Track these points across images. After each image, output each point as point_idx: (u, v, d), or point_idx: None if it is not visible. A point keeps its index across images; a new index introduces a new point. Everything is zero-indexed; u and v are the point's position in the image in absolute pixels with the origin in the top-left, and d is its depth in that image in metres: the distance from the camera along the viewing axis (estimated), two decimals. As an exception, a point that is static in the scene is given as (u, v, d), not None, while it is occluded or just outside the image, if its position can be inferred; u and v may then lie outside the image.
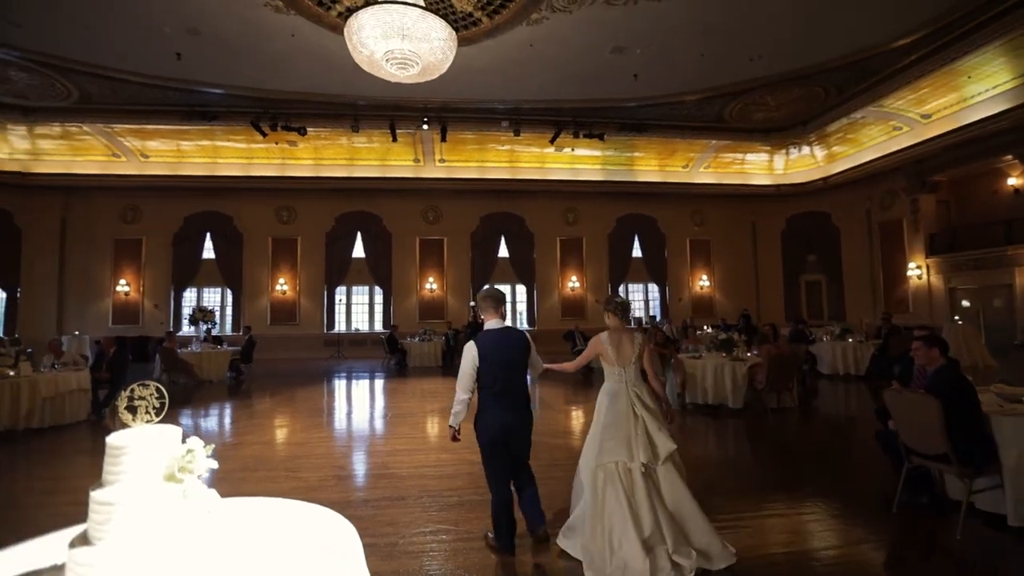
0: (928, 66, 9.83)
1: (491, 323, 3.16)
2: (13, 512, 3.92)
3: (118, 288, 15.52)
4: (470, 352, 3.06)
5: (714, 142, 14.49)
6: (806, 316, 15.40)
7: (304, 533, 1.27)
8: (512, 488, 3.24)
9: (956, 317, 12.77)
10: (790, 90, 11.23)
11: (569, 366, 3.59)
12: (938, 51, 9.34)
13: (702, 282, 17.77)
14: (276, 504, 1.54)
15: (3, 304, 14.83)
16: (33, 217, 15.03)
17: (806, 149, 15.11)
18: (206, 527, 1.11)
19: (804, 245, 17.32)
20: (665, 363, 7.84)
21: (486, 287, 3.33)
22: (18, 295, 14.91)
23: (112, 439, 1.17)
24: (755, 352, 7.53)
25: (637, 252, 17.59)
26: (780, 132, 13.71)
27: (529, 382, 3.39)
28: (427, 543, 3.35)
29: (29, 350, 7.43)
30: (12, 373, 6.46)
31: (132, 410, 1.20)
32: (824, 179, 15.91)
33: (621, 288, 17.52)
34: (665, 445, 3.01)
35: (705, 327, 14.27)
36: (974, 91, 10.96)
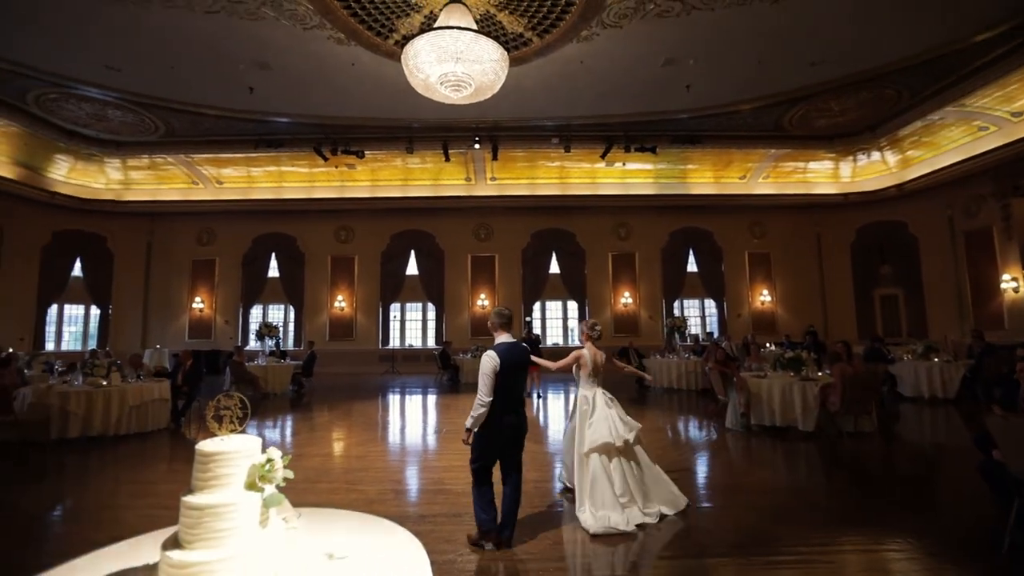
0: (1016, 60, 9.02)
1: (502, 338, 3.55)
2: (106, 512, 4.22)
3: (194, 305, 16.71)
4: (492, 360, 3.35)
5: (773, 151, 13.91)
6: (881, 333, 14.28)
7: (376, 546, 1.27)
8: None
9: (1062, 334, 11.44)
10: (856, 94, 10.62)
11: (552, 365, 4.27)
12: (1028, 44, 8.57)
13: (763, 297, 16.94)
14: (348, 516, 1.56)
15: (97, 320, 16.32)
16: (124, 241, 16.54)
17: (876, 155, 14.19)
18: (287, 535, 1.13)
19: (877, 257, 16.15)
20: (727, 381, 7.47)
21: (497, 307, 3.72)
22: (110, 312, 16.37)
23: (202, 447, 1.22)
24: (827, 371, 7.04)
25: (692, 267, 17.04)
26: (846, 138, 12.97)
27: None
28: (485, 562, 3.31)
29: (118, 362, 8.07)
30: (105, 383, 7.04)
31: (219, 419, 1.26)
32: (898, 186, 14.84)
33: (676, 304, 17.00)
34: (633, 426, 4.05)
35: (768, 344, 13.58)
36: (1074, 84, 9.94)
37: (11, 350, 9.46)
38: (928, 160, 13.77)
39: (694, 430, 7.57)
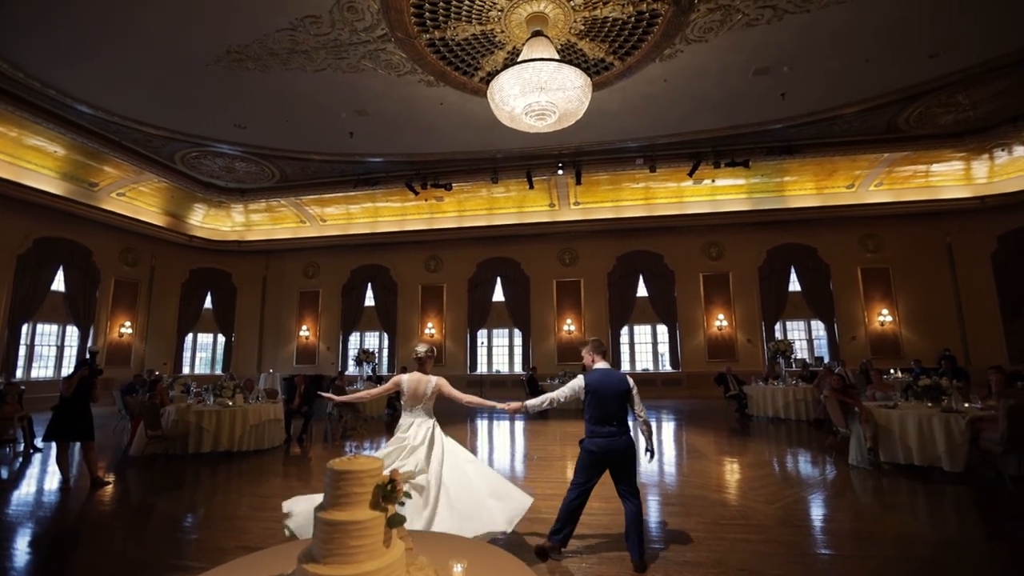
0: None
1: (598, 365, 3.86)
2: (232, 522, 4.63)
3: (300, 333, 18.27)
4: (578, 384, 3.76)
5: (887, 155, 12.59)
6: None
7: (488, 573, 1.25)
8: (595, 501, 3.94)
9: None
10: (991, 83, 9.36)
11: (366, 396, 4.55)
12: None
13: (882, 317, 15.13)
14: (456, 540, 1.56)
15: (223, 346, 18.40)
16: (245, 276, 18.66)
17: (1020, 149, 12.33)
18: (407, 553, 1.14)
19: (1028, 268, 13.88)
20: (848, 412, 6.68)
21: (592, 339, 4.01)
22: (233, 339, 18.40)
23: (334, 465, 1.28)
24: (975, 403, 6.06)
25: (794, 286, 15.74)
26: (980, 133, 11.41)
27: (631, 419, 3.82)
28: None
29: (241, 384, 8.95)
30: (231, 404, 7.83)
31: (346, 438, 1.31)
32: (1051, 184, 12.76)
33: (777, 326, 15.70)
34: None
35: (891, 370, 12.05)
36: None
37: (158, 373, 10.87)
38: (1091, 152, 11.74)
39: (808, 465, 6.82)
